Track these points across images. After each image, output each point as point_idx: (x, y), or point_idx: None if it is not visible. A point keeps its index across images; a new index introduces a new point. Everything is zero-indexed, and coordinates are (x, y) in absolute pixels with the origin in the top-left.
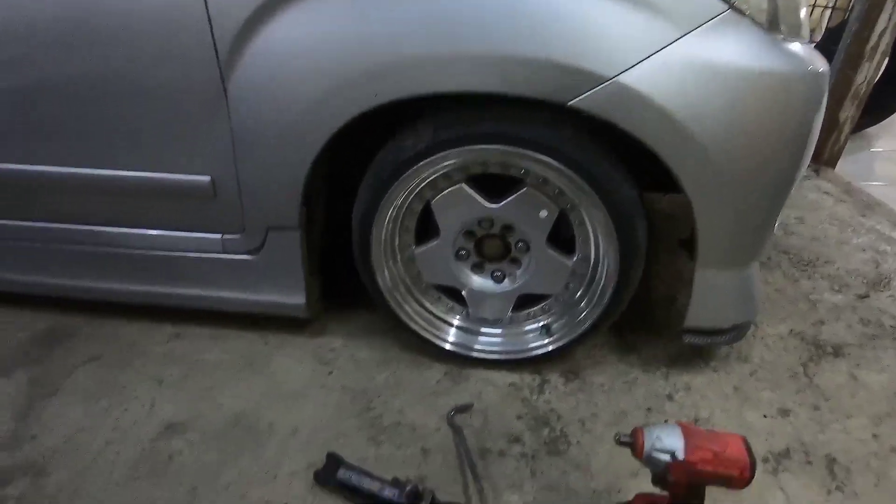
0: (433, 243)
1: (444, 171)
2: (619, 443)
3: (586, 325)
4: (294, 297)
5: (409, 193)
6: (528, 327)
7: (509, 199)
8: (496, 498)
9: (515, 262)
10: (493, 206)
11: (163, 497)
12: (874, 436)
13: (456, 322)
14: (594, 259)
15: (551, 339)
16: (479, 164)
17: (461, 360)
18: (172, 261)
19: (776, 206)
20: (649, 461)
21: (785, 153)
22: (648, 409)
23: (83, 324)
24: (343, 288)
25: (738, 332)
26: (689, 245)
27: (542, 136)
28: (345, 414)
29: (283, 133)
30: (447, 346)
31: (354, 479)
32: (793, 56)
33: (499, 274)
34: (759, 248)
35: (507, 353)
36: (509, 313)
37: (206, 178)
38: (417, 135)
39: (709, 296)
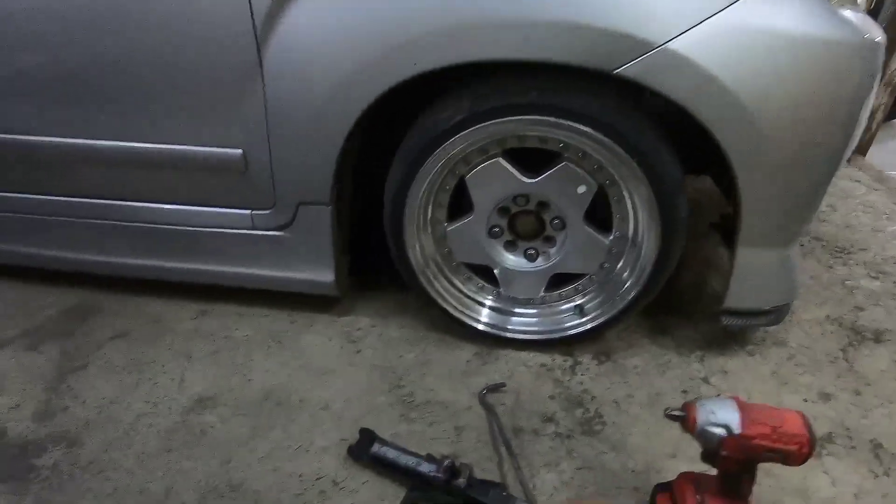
0: (466, 220)
1: (481, 144)
2: (670, 416)
3: (621, 306)
4: (323, 275)
5: (444, 168)
6: (560, 307)
7: (547, 173)
8: (532, 476)
9: (550, 240)
10: (530, 180)
11: (196, 469)
12: None
13: (488, 302)
14: (632, 238)
15: (584, 319)
16: (517, 138)
17: (493, 339)
18: (201, 237)
19: (824, 182)
20: (702, 436)
21: (836, 126)
22: (684, 392)
23: (110, 300)
24: (370, 267)
25: (777, 314)
26: (721, 228)
27: (586, 107)
28: (375, 391)
29: (319, 105)
30: (480, 327)
31: (389, 454)
32: (848, 24)
33: (532, 252)
34: (802, 227)
35: (538, 333)
36: (541, 293)
37: (237, 152)
38: (456, 106)
39: (750, 276)
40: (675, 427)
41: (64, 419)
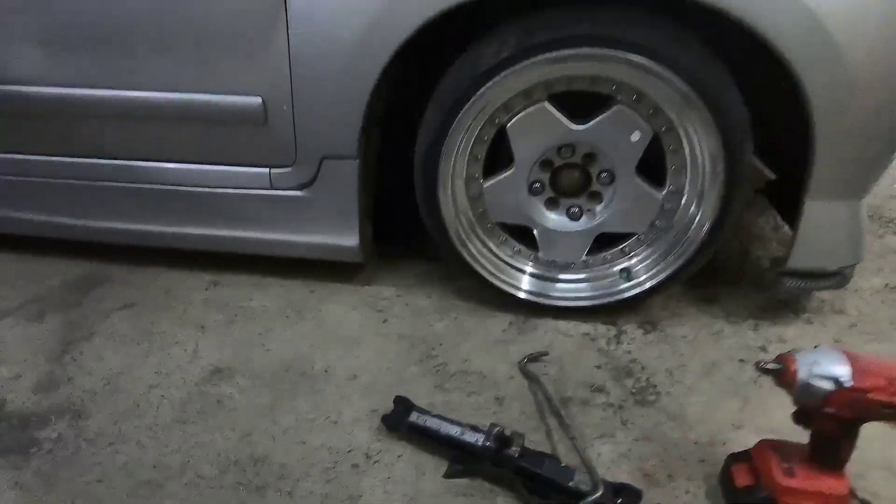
0: (505, 175)
1: (526, 87)
2: (763, 370)
3: (673, 269)
4: (346, 238)
5: (483, 115)
6: (605, 271)
7: (597, 119)
8: (585, 449)
9: (595, 196)
10: (578, 127)
11: (214, 441)
12: None
13: (528, 268)
14: (688, 191)
15: (632, 283)
16: (565, 80)
17: (531, 308)
18: (215, 200)
19: None
20: (804, 390)
21: None
22: (741, 361)
23: (117, 271)
24: (391, 239)
25: (842, 277)
26: (769, 192)
27: (647, 38)
28: (405, 360)
29: (349, 44)
30: (521, 295)
31: (429, 423)
32: None
33: (576, 210)
34: (876, 177)
35: (582, 299)
36: (584, 256)
37: (256, 100)
38: (501, 41)
39: (818, 232)
40: (737, 396)
41: (68, 390)
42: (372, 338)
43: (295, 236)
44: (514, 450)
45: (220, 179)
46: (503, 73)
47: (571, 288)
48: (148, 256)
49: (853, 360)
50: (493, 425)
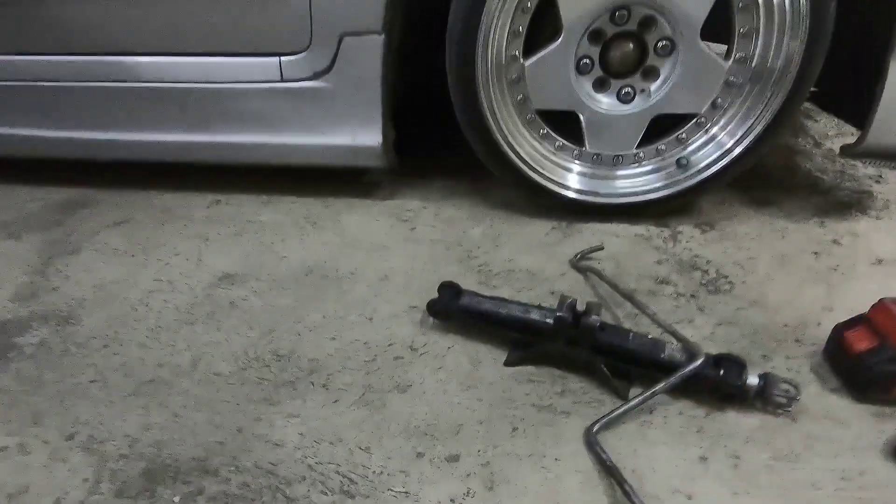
0: (550, 48)
1: None
2: None
3: (735, 154)
4: (368, 136)
5: None
6: (660, 164)
7: None
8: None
9: (650, 73)
10: None
11: (229, 340)
12: None
13: (576, 166)
14: (758, 59)
15: (691, 172)
16: None
17: (578, 209)
18: (216, 98)
19: None
20: None
21: None
22: (815, 253)
23: (105, 195)
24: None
25: None
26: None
27: None
28: (442, 262)
29: None
30: (570, 194)
31: (487, 305)
32: None
33: (628, 90)
34: None
35: (634, 194)
36: (635, 147)
37: None
38: None
39: None
40: (821, 283)
41: (52, 299)
42: (401, 244)
43: (309, 138)
44: (595, 319)
45: (222, 73)
46: None
47: (625, 184)
48: (139, 178)
49: None
50: (564, 296)
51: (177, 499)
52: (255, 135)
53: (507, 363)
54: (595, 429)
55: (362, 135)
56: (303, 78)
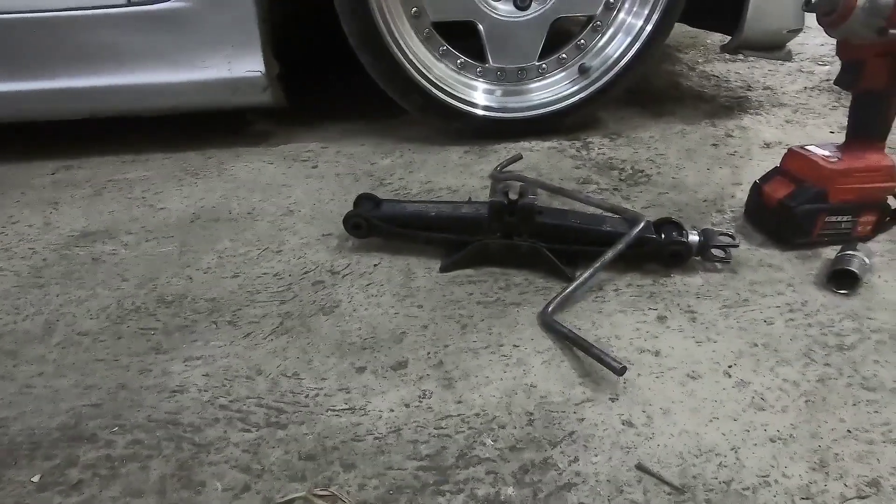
0: None
1: None
2: (809, 7)
3: (635, 50)
4: (248, 63)
5: None
6: (563, 73)
7: None
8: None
9: None
10: None
11: (96, 295)
12: None
13: (480, 83)
14: None
15: (593, 78)
16: None
17: (490, 127)
18: (46, 31)
19: None
20: (868, 9)
21: None
22: (714, 145)
23: None
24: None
25: (788, 51)
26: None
27: None
28: (353, 190)
29: None
30: (479, 112)
31: (411, 208)
32: None
33: None
34: None
35: (544, 106)
36: (537, 59)
37: None
38: None
39: None
40: (726, 166)
41: None
42: (302, 181)
43: (173, 73)
44: (532, 198)
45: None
46: None
47: (533, 97)
48: None
49: None
50: (495, 182)
51: (36, 478)
52: (104, 76)
53: (443, 269)
54: (549, 309)
55: (239, 64)
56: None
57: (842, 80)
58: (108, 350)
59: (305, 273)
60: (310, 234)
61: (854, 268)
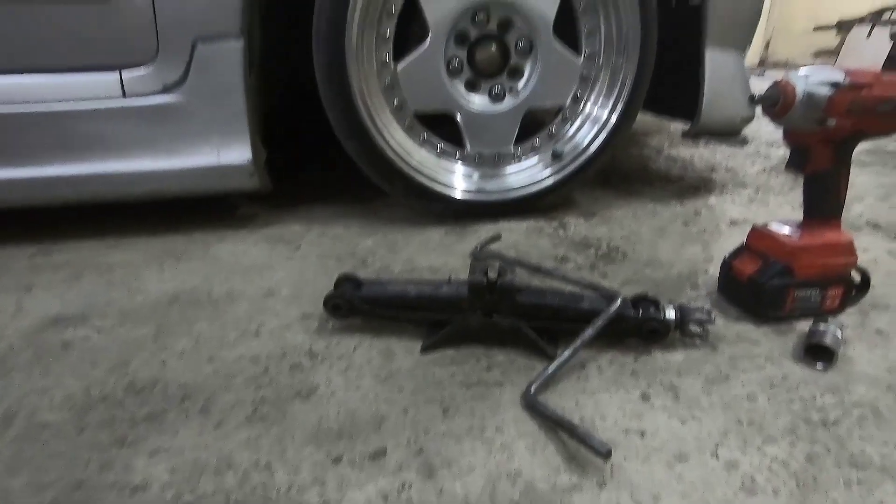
0: (420, 50)
1: None
2: (759, 100)
3: (602, 138)
4: (235, 152)
5: None
6: (537, 158)
7: None
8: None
9: (516, 73)
10: None
11: (62, 384)
12: None
13: (459, 167)
14: (604, 52)
15: (565, 161)
16: None
17: (468, 211)
18: (37, 122)
19: None
20: (806, 103)
21: None
22: (684, 223)
23: None
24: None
25: (743, 138)
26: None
27: None
28: (335, 272)
29: None
30: (457, 195)
31: (392, 289)
32: None
33: (498, 89)
34: (751, 32)
35: (520, 188)
36: (513, 145)
37: None
38: None
39: (717, 79)
40: (696, 243)
41: None
42: (284, 262)
43: (163, 161)
44: (511, 278)
45: (45, 93)
46: None
47: (509, 180)
48: None
49: (840, 67)
50: (475, 261)
51: None
52: (95, 164)
53: (425, 349)
54: (532, 390)
55: (227, 153)
56: (150, 92)
57: (791, 164)
58: (69, 444)
59: (283, 356)
60: (290, 315)
61: (828, 342)
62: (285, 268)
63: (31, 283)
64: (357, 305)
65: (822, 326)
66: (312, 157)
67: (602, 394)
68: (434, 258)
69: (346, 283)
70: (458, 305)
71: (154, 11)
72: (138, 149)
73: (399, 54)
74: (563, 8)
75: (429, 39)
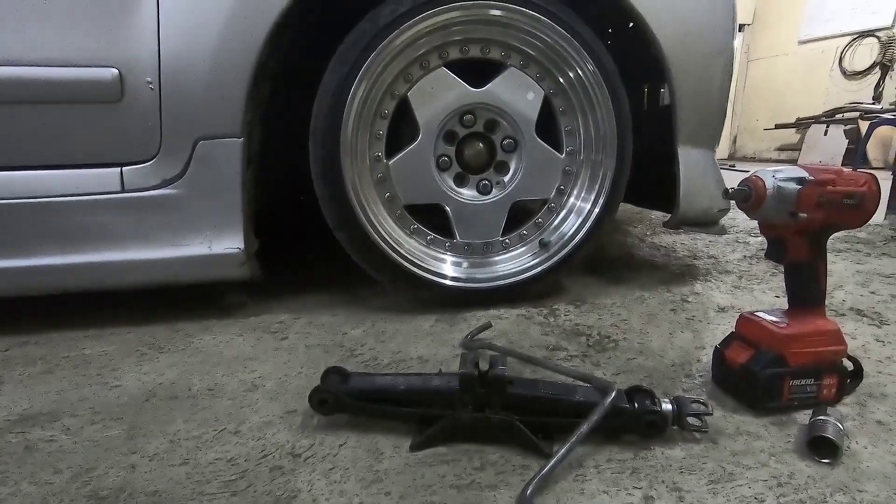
0: (411, 147)
1: (421, 51)
2: (732, 194)
3: (587, 227)
4: (229, 241)
5: (381, 84)
6: (524, 247)
7: (493, 80)
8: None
9: (502, 167)
10: (477, 90)
11: (19, 493)
12: None
13: (448, 256)
14: (583, 148)
15: (553, 250)
16: (458, 47)
17: (459, 298)
18: (34, 213)
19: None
20: (778, 197)
21: None
22: (673, 310)
23: None
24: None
25: (721, 227)
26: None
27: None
28: (322, 363)
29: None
30: (447, 282)
31: (380, 382)
32: None
33: (485, 183)
34: (718, 131)
35: (508, 276)
36: (501, 235)
37: (110, 72)
38: (397, 2)
39: (692, 174)
40: (687, 330)
41: None
42: (270, 353)
43: (156, 251)
44: (503, 369)
45: (45, 187)
46: (400, 28)
47: (498, 268)
48: None
49: (802, 166)
50: (465, 351)
51: None
52: (87, 254)
53: (414, 447)
54: (528, 492)
55: (219, 243)
56: (149, 187)
57: (770, 255)
58: None
59: (263, 457)
60: (273, 411)
61: (830, 434)
62: (271, 359)
63: (1, 378)
64: (344, 400)
65: (822, 418)
66: (303, 246)
67: (602, 496)
68: (423, 348)
69: (333, 376)
70: (449, 399)
71: (160, 112)
72: (132, 239)
73: (391, 150)
74: (545, 109)
75: (419, 138)
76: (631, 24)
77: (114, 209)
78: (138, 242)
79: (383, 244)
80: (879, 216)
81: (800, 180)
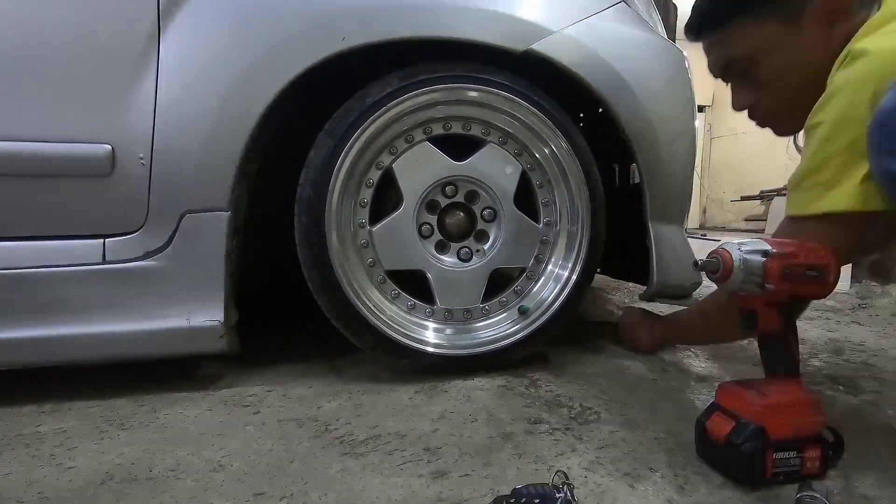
0: (394, 215)
1: (407, 126)
2: (702, 265)
3: (565, 295)
4: (208, 314)
5: (368, 154)
6: (504, 314)
7: (474, 155)
8: (551, 466)
9: (482, 236)
10: (459, 163)
11: None
12: None
13: (430, 322)
14: (559, 220)
15: (532, 318)
16: (442, 124)
17: (439, 367)
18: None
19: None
20: (745, 269)
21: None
22: (654, 380)
23: None
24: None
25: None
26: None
27: (506, 78)
28: (294, 440)
29: (234, 79)
30: (429, 349)
31: None
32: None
33: (466, 251)
34: (686, 207)
35: (489, 343)
36: (481, 301)
37: (103, 148)
38: (385, 82)
39: (664, 247)
40: (668, 401)
41: None
42: (240, 429)
43: (132, 324)
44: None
45: (19, 258)
46: (387, 105)
47: (479, 335)
48: None
49: (765, 239)
50: None
51: None
52: (58, 327)
53: None
54: None
55: (199, 316)
56: (131, 259)
57: (742, 326)
58: None
59: None
60: (238, 495)
61: None
62: (240, 436)
63: None
64: None
65: (808, 494)
66: (280, 314)
67: None
68: (401, 423)
69: None
70: None
71: (150, 186)
72: (107, 311)
73: (374, 217)
74: (523, 182)
75: (403, 206)
76: (600, 109)
77: (92, 281)
78: (114, 314)
79: (364, 309)
80: (845, 285)
81: (764, 252)
